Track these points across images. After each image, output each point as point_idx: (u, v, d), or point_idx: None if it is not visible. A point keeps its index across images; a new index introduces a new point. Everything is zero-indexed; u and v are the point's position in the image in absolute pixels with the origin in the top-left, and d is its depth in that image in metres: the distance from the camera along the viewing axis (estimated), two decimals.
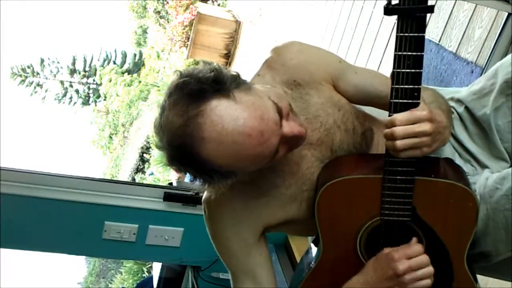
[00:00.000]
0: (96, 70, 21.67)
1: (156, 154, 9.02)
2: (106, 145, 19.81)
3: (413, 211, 0.95)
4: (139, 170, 13.78)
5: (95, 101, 21.68)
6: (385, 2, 0.82)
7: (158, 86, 11.79)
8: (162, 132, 0.89)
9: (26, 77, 22.02)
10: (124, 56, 21.64)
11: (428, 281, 0.95)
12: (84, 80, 22.20)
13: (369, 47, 3.42)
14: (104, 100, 20.06)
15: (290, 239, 2.43)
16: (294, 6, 5.48)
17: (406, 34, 0.83)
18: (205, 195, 1.11)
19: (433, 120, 0.87)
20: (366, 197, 0.96)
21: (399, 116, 0.87)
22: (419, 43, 0.83)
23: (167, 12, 11.72)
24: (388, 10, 0.82)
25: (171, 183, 2.94)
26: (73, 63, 22.12)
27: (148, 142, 12.65)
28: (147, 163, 12.89)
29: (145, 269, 6.99)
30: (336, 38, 4.04)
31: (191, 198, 2.11)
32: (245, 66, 7.06)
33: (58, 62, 22.30)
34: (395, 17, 0.83)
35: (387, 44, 3.16)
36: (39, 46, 32.46)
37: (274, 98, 0.91)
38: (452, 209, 0.96)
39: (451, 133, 1.15)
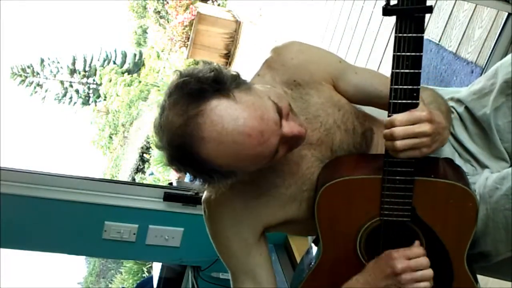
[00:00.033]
0: (96, 70, 21.67)
1: (156, 154, 9.02)
2: (106, 145, 19.81)
3: (413, 211, 0.95)
4: (139, 170, 13.78)
5: (95, 101, 21.69)
6: (384, 3, 0.82)
7: (158, 86, 11.79)
8: (162, 132, 0.89)
9: (26, 77, 22.02)
10: (124, 56, 21.64)
11: (426, 284, 0.94)
12: (84, 80, 22.20)
13: (369, 47, 3.42)
14: (104, 100, 20.06)
15: (290, 239, 2.43)
16: (294, 6, 5.48)
17: (405, 35, 0.83)
18: (205, 195, 1.11)
19: (433, 121, 0.87)
20: (366, 198, 0.96)
21: (398, 117, 0.87)
22: (418, 44, 0.83)
23: (167, 12, 11.72)
24: (387, 10, 0.82)
25: (171, 183, 2.94)
26: (73, 63, 22.12)
27: (148, 142, 12.65)
28: (147, 163, 12.89)
29: (145, 269, 6.99)
30: (336, 38, 4.03)
31: (191, 198, 2.11)
32: (245, 66, 7.06)
33: (58, 62, 22.33)
34: (394, 17, 0.83)
35: (387, 44, 3.16)
36: (39, 46, 32.54)
37: (274, 98, 0.91)
38: (452, 209, 0.96)
39: (450, 133, 1.16)
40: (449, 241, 0.98)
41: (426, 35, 2.60)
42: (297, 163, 1.05)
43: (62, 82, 22.42)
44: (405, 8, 0.81)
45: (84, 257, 13.14)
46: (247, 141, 0.85)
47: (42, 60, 22.13)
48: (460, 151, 1.17)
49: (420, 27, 0.82)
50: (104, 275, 14.33)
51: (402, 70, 0.85)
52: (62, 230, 2.10)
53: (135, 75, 18.49)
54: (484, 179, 1.06)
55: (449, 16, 2.54)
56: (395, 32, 0.83)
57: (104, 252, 2.44)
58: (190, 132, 0.85)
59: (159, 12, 13.05)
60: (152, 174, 10.18)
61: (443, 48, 2.55)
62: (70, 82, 22.37)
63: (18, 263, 17.07)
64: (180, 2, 10.05)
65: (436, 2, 2.65)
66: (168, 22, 11.86)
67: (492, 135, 1.12)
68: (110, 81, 18.81)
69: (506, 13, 2.02)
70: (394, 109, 0.87)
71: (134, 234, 2.13)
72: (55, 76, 22.42)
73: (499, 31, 2.07)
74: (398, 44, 0.84)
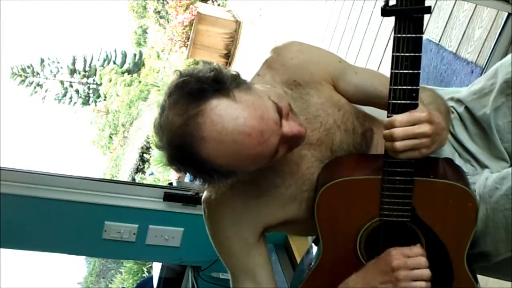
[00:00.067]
0: (96, 70, 21.67)
1: (156, 154, 9.02)
2: (106, 145, 19.81)
3: (413, 211, 0.95)
4: (139, 170, 13.78)
5: (95, 101, 21.68)
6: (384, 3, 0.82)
7: (158, 86, 11.79)
8: (162, 132, 0.89)
9: (26, 77, 22.02)
10: (124, 56, 21.64)
11: (423, 283, 0.94)
12: (84, 80, 22.20)
13: (369, 47, 3.43)
14: (104, 100, 20.06)
15: (290, 239, 2.43)
16: (294, 6, 5.48)
17: (404, 35, 0.83)
18: (205, 194, 1.11)
19: (432, 122, 0.87)
20: (366, 198, 0.96)
21: (398, 118, 0.87)
22: (416, 44, 0.83)
23: (167, 12, 11.72)
24: (386, 11, 0.82)
25: (171, 183, 2.93)
26: (73, 63, 22.12)
27: (148, 142, 12.65)
28: (147, 163, 12.89)
29: (145, 269, 6.99)
30: (336, 38, 4.04)
31: (191, 198, 2.11)
32: (245, 66, 7.06)
33: (58, 62, 22.32)
34: (393, 17, 0.83)
35: (387, 44, 3.16)
36: (39, 46, 32.52)
37: (274, 98, 0.91)
38: (452, 209, 0.96)
39: (450, 133, 1.16)
40: (449, 241, 0.98)
41: (426, 35, 2.61)
42: (297, 163, 1.05)
43: (62, 82, 22.42)
44: (404, 8, 0.81)
45: (84, 257, 13.15)
46: (247, 141, 0.85)
47: (42, 60, 22.14)
48: (460, 151, 1.17)
49: (419, 28, 0.82)
50: (104, 275, 14.33)
51: (401, 71, 0.85)
52: (62, 230, 2.10)
53: (135, 75, 18.49)
54: (484, 179, 1.06)
55: (449, 16, 2.54)
56: (394, 33, 0.83)
57: (104, 252, 2.44)
58: (190, 132, 0.85)
59: (159, 12, 13.05)
60: (152, 174, 10.18)
61: (443, 48, 2.55)
62: (70, 82, 22.37)
63: (18, 263, 17.08)
64: (180, 2, 10.05)
65: (436, 2, 2.65)
66: (168, 22, 11.86)
67: (492, 135, 1.12)
68: (110, 81, 18.81)
69: (506, 13, 2.02)
70: (394, 109, 0.87)
71: (134, 234, 2.13)
72: (55, 76, 22.42)
73: (499, 31, 2.07)
74: (397, 45, 0.84)
